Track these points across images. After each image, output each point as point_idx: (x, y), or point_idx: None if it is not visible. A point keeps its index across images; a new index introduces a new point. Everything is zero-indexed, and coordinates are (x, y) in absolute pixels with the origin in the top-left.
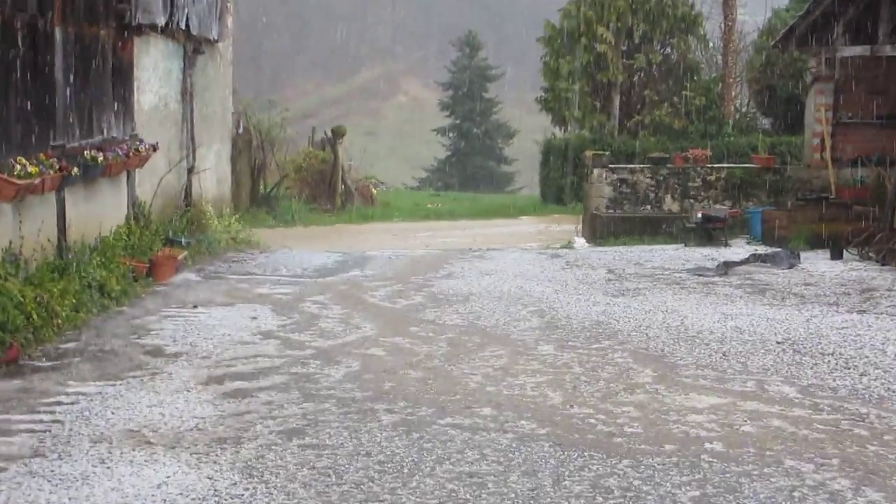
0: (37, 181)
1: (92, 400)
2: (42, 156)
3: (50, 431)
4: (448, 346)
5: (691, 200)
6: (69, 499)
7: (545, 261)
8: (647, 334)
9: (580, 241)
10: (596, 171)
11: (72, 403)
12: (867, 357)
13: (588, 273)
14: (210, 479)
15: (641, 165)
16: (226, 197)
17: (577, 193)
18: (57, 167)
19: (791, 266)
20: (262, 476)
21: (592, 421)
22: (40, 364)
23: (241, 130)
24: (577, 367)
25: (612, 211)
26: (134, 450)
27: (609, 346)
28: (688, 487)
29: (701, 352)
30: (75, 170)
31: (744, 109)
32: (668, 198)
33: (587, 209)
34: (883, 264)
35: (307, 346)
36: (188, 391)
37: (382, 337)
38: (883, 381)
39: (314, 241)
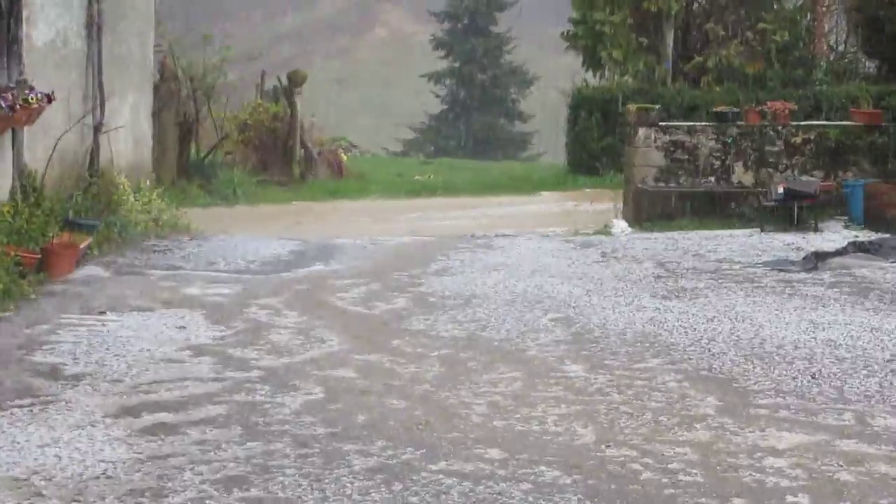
0: None
1: None
2: None
3: None
4: (442, 365)
5: (770, 170)
6: None
7: (573, 251)
8: (709, 350)
9: (620, 225)
10: (642, 132)
11: None
12: None
13: (631, 268)
14: None
15: (703, 124)
16: (145, 165)
17: (617, 161)
18: None
19: None
20: None
21: (636, 466)
22: None
23: (165, 76)
24: (614, 395)
25: (663, 184)
26: None
27: (658, 365)
28: None
29: (782, 373)
30: None
31: (840, 48)
32: (739, 167)
33: (630, 182)
34: None
35: (253, 365)
36: (93, 426)
37: (355, 353)
38: None
39: (264, 225)
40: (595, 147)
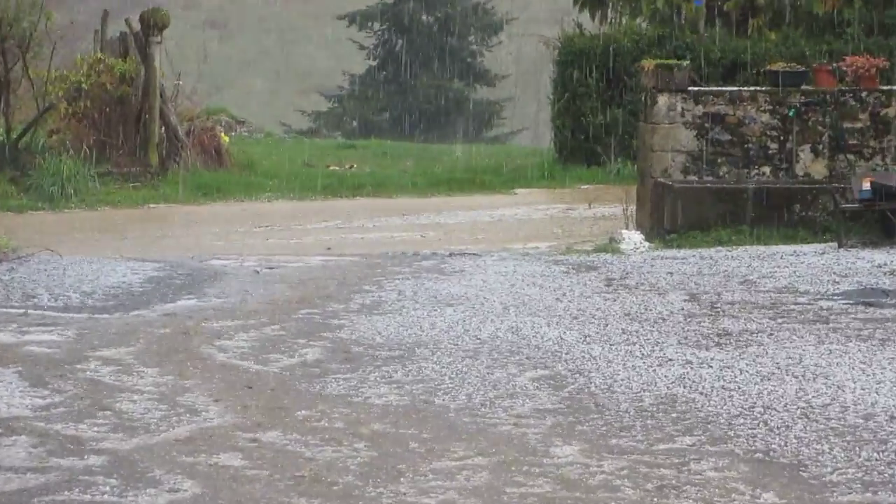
0: None
1: None
2: None
3: None
4: (372, 447)
5: (850, 157)
6: None
7: (564, 277)
8: (765, 422)
9: (633, 239)
10: (663, 101)
11: None
12: None
13: (649, 301)
14: None
15: (752, 88)
16: None
17: (626, 144)
18: None
19: None
20: None
21: None
22: None
23: None
24: (627, 490)
25: (694, 178)
26: None
27: (691, 446)
28: None
29: (872, 457)
30: None
31: None
32: (806, 152)
33: (646, 175)
34: None
35: (92, 448)
36: None
37: (243, 430)
38: None
39: (106, 239)
40: (594, 123)
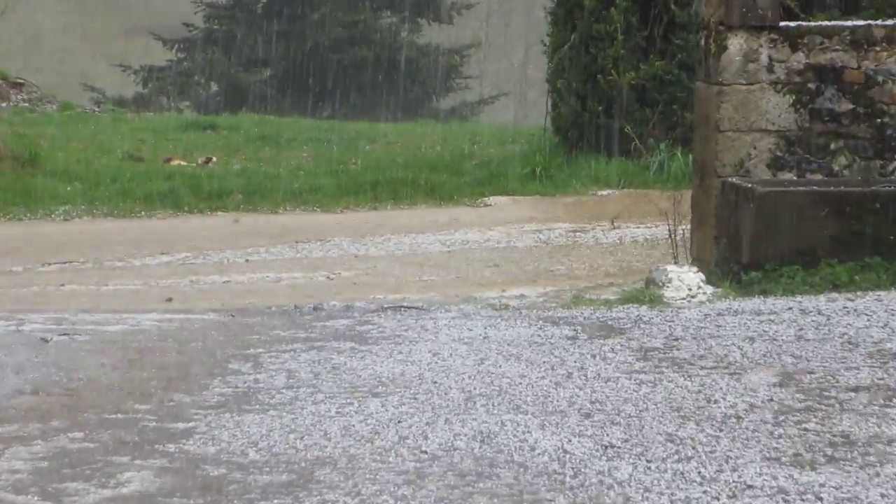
0: None
1: None
2: None
3: None
4: None
5: None
6: None
7: (570, 347)
8: None
9: (686, 279)
10: (738, 45)
11: None
12: None
13: (714, 387)
14: None
15: (893, 23)
16: None
17: (674, 120)
18: None
19: None
20: None
21: None
22: None
23: None
24: None
25: (792, 174)
26: None
27: None
28: None
29: None
30: None
31: None
32: None
33: (707, 172)
34: None
35: None
36: None
37: None
38: None
39: None
40: (620, 86)
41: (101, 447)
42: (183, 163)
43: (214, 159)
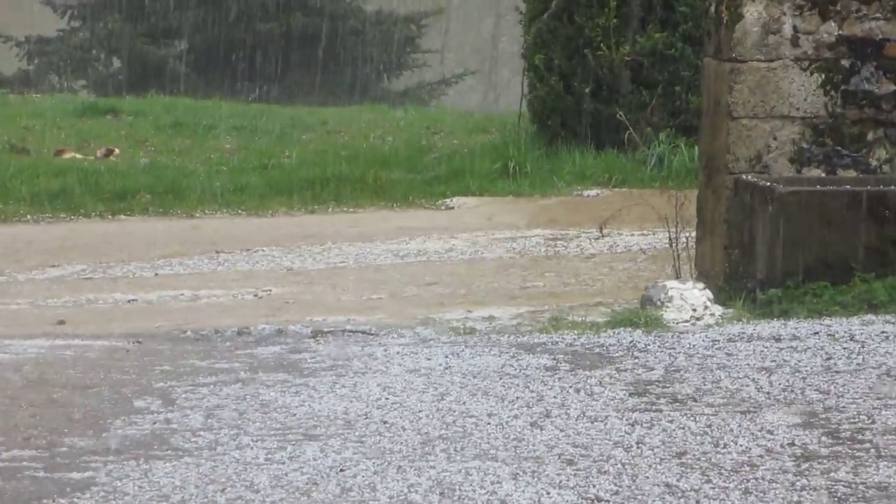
0: None
1: None
2: None
3: None
4: None
5: None
6: None
7: (549, 379)
8: None
9: (690, 298)
10: (756, 13)
11: None
12: None
13: (724, 428)
14: None
15: None
16: None
17: (677, 106)
18: None
19: None
20: None
21: None
22: None
23: None
24: None
25: (819, 170)
26: None
27: None
28: None
29: None
30: None
31: None
32: None
33: (716, 168)
34: None
35: None
36: None
37: None
38: None
39: None
40: (611, 63)
41: None
42: (78, 156)
43: (117, 151)
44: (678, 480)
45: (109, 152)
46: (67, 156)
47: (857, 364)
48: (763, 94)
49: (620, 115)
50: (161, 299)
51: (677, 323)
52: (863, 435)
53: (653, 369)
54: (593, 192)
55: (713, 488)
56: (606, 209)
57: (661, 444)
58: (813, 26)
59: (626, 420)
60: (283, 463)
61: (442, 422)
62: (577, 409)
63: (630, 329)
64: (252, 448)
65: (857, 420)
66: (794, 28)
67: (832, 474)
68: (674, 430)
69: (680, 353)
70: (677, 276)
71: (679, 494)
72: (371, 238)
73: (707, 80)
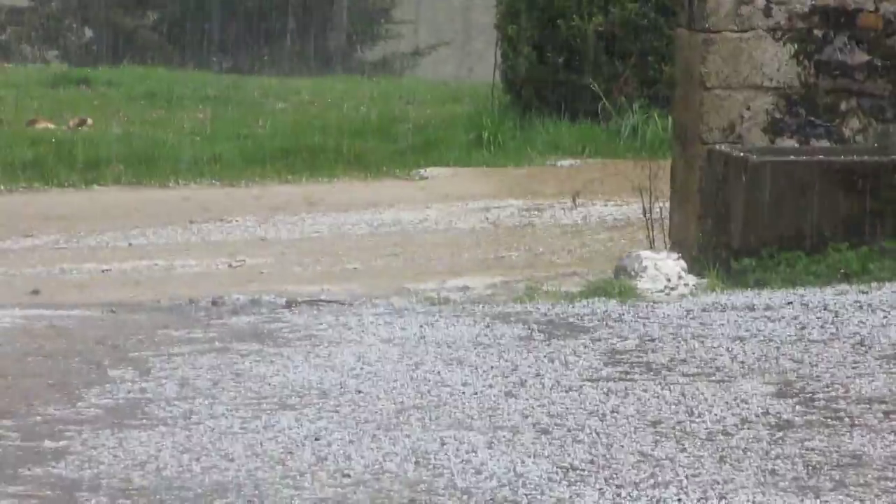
0: None
1: None
2: None
3: None
4: None
5: None
6: None
7: (523, 349)
8: None
9: (665, 268)
10: None
11: None
12: None
13: (698, 397)
14: None
15: None
16: None
17: (651, 76)
18: None
19: None
20: None
21: None
22: None
23: None
24: None
25: (793, 140)
26: None
27: None
28: None
29: None
30: None
31: None
32: None
33: (690, 138)
34: None
35: None
36: None
37: None
38: None
39: None
40: (584, 33)
41: None
42: (51, 126)
43: (90, 121)
44: (653, 449)
45: (82, 122)
46: (40, 126)
47: (831, 333)
48: (736, 64)
49: (594, 86)
50: (135, 269)
51: (651, 293)
52: (836, 404)
53: (627, 339)
54: (567, 162)
55: (688, 457)
56: (580, 179)
57: (636, 413)
58: None
59: (601, 389)
60: (258, 432)
61: (417, 391)
62: (552, 378)
63: (604, 299)
64: (227, 417)
65: (830, 389)
66: None
67: (806, 443)
68: (648, 399)
69: (654, 322)
70: (651, 247)
71: (653, 463)
72: (345, 208)
73: (680, 50)
